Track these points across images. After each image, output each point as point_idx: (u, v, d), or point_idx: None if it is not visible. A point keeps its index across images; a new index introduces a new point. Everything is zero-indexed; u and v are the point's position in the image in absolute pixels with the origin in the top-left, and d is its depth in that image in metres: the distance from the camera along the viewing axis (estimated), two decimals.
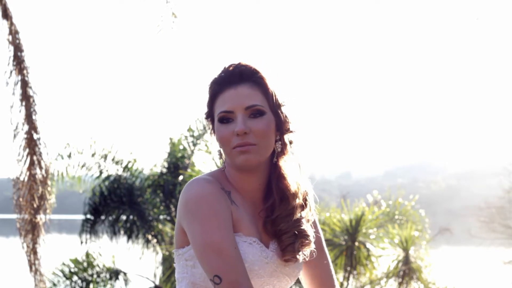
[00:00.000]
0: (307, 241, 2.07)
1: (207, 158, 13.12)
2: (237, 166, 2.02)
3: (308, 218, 2.11)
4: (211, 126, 2.09)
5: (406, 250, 10.60)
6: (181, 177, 13.39)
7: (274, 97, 2.03)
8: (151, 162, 14.15)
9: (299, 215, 2.07)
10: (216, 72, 2.08)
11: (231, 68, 2.04)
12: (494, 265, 28.05)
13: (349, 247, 10.29)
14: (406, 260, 10.55)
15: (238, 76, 2.02)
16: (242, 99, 1.99)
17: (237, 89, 2.00)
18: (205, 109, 2.09)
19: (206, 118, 2.09)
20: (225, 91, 2.01)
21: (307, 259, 2.11)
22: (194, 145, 13.76)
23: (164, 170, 13.87)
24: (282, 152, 2.07)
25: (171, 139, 14.03)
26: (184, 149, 13.83)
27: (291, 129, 2.07)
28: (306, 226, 2.08)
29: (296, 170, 2.09)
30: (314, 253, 2.12)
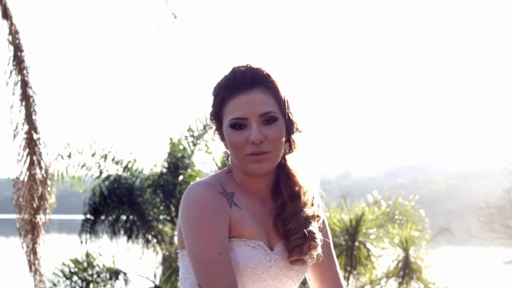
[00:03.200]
0: (314, 244, 2.05)
1: (207, 158, 13.12)
2: (250, 173, 2.01)
3: (316, 215, 2.10)
4: (215, 127, 2.07)
5: (406, 250, 10.59)
6: (181, 177, 13.39)
7: (285, 101, 2.02)
8: (151, 162, 14.16)
9: (307, 212, 2.06)
10: (223, 73, 2.03)
11: (241, 70, 2.00)
12: (494, 265, 28.05)
13: (349, 247, 10.29)
14: (406, 260, 10.55)
15: (250, 81, 1.98)
16: (255, 106, 1.96)
17: (250, 94, 1.97)
18: (211, 110, 2.06)
19: (212, 119, 2.06)
20: (237, 96, 1.97)
21: (311, 263, 2.09)
22: (194, 145, 13.76)
23: (164, 170, 13.87)
24: (290, 151, 2.07)
25: (171, 139, 14.03)
26: (184, 149, 13.83)
27: (299, 129, 2.07)
28: (314, 226, 2.07)
29: (303, 167, 2.09)
30: (320, 257, 2.10)
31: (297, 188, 2.05)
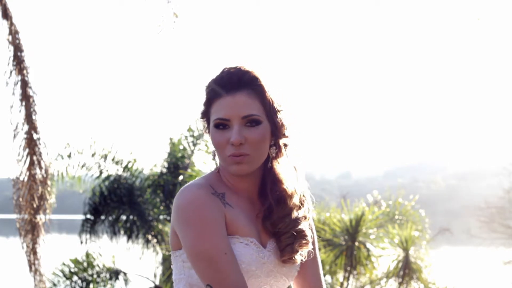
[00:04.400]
0: (305, 242, 2.08)
1: (207, 158, 13.11)
2: (231, 173, 2.04)
3: (305, 216, 2.12)
4: (206, 125, 2.10)
5: (406, 250, 10.59)
6: (181, 177, 13.38)
7: (271, 105, 2.03)
8: (151, 162, 14.16)
9: (296, 214, 2.09)
10: (215, 73, 2.07)
11: (230, 72, 2.03)
12: (494, 265, 28.04)
13: (349, 247, 10.28)
14: (406, 260, 10.54)
15: (237, 83, 2.00)
16: (239, 108, 1.99)
17: (235, 96, 1.99)
18: (201, 108, 2.09)
19: (202, 117, 2.10)
20: (222, 97, 2.00)
21: (304, 260, 2.12)
22: (194, 145, 13.76)
23: (164, 170, 13.87)
24: (277, 156, 2.08)
25: (171, 139, 14.03)
26: (184, 149, 13.83)
27: (286, 134, 2.08)
28: (304, 226, 2.10)
29: (291, 171, 2.10)
30: (311, 254, 2.14)
31: (283, 193, 2.07)
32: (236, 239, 2.00)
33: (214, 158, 2.09)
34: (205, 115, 2.08)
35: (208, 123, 2.07)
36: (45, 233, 7.47)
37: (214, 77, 2.06)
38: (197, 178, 2.11)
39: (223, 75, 2.04)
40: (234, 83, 2.01)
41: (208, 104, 2.05)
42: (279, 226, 2.06)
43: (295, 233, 2.06)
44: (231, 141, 1.97)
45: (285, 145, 2.09)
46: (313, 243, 2.16)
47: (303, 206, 2.12)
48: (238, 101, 1.99)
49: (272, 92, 2.04)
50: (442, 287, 10.67)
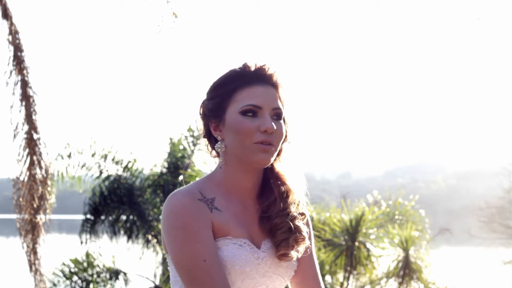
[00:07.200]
0: (301, 237, 2.08)
1: (207, 158, 13.05)
2: (252, 162, 2.02)
3: (301, 212, 2.14)
4: (211, 114, 2.07)
5: (406, 250, 10.59)
6: (181, 177, 13.37)
7: (287, 107, 2.10)
8: (151, 162, 14.14)
9: (293, 210, 2.10)
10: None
11: (260, 67, 2.06)
12: (494, 265, 28.05)
13: (349, 247, 10.29)
14: (406, 260, 10.55)
15: (268, 77, 2.06)
16: (271, 99, 2.04)
17: (267, 88, 2.04)
18: (215, 97, 2.06)
19: (210, 107, 2.07)
20: (254, 86, 2.03)
21: (300, 256, 2.10)
22: (194, 145, 13.74)
23: (164, 170, 13.86)
24: (277, 156, 2.12)
25: (171, 139, 14.02)
26: (184, 149, 13.82)
27: (287, 139, 2.12)
28: (300, 223, 2.11)
29: (290, 172, 2.13)
30: (308, 250, 2.13)
31: (286, 187, 2.10)
32: (229, 240, 2.00)
33: (218, 155, 2.10)
34: (220, 104, 2.05)
35: (222, 114, 2.05)
36: (45, 233, 7.47)
37: (238, 68, 2.06)
38: (191, 182, 2.11)
39: (252, 67, 2.06)
40: (266, 76, 2.06)
41: (231, 92, 2.04)
42: (275, 220, 2.06)
43: (291, 228, 2.07)
44: (266, 127, 1.99)
45: (285, 150, 2.13)
46: (309, 239, 2.16)
47: (299, 204, 2.14)
48: (269, 93, 2.04)
49: (288, 95, 2.11)
50: (442, 287, 10.68)
